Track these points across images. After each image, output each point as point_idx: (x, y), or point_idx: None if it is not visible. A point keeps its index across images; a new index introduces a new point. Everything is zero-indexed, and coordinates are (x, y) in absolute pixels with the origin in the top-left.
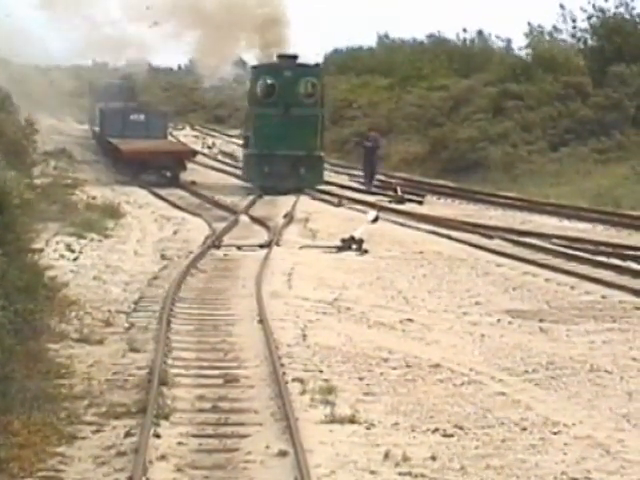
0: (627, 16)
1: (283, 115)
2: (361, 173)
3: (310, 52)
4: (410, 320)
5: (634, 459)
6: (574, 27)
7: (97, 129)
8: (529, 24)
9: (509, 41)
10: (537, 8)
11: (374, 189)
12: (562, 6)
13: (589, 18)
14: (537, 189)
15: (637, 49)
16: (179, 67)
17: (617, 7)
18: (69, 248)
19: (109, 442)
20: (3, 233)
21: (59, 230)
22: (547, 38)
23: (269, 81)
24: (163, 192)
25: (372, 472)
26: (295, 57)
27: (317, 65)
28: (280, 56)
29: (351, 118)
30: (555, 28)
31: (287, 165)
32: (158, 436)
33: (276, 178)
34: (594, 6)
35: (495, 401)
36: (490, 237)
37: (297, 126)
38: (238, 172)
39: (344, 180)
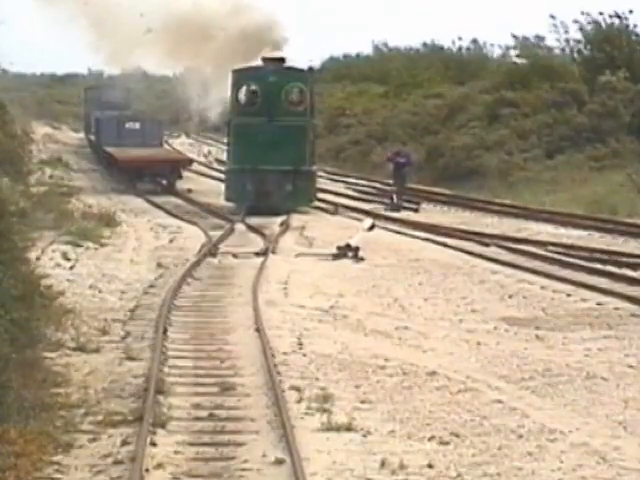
0: (620, 26)
1: (267, 125)
2: (390, 188)
3: (304, 59)
4: (406, 328)
5: (630, 466)
6: (566, 37)
7: (93, 137)
8: (513, 35)
9: (507, 48)
10: (528, 18)
11: (405, 204)
12: (552, 16)
13: (581, 29)
14: (533, 196)
15: (628, 58)
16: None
17: (611, 17)
18: (65, 257)
19: (105, 451)
20: None
21: (55, 238)
22: (534, 48)
23: (252, 87)
24: (159, 200)
25: None
26: (282, 60)
27: (309, 69)
28: (265, 59)
29: (346, 126)
30: (538, 37)
31: (272, 182)
32: (154, 444)
33: (260, 197)
34: (589, 15)
35: (491, 409)
36: (486, 245)
37: (283, 137)
38: None
39: (340, 188)
